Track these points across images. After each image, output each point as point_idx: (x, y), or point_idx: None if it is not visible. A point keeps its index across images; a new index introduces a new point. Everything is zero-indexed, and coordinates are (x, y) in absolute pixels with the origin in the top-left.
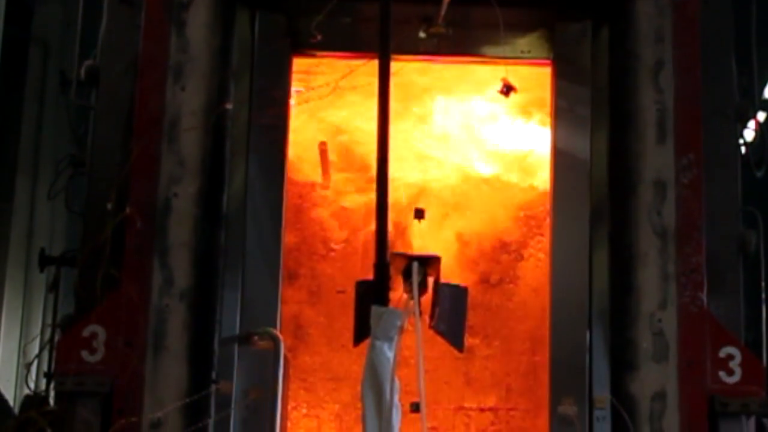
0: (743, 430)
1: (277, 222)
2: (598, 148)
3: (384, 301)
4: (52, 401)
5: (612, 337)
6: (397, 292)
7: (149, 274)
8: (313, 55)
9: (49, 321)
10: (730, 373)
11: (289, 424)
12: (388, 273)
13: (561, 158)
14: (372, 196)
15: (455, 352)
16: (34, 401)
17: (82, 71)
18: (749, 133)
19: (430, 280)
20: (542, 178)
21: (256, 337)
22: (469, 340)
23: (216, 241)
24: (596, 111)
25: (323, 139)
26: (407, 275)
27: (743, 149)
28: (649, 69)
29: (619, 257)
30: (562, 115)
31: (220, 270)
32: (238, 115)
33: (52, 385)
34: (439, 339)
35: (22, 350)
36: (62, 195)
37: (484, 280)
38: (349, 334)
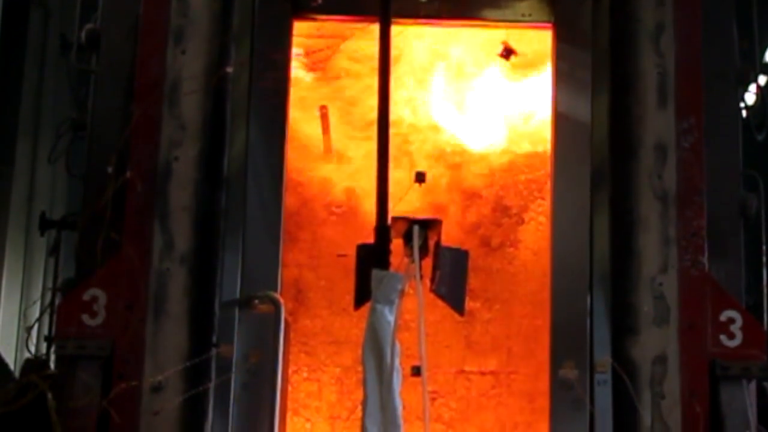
0: (744, 394)
1: (278, 185)
2: (598, 111)
3: (385, 264)
4: (52, 365)
5: (613, 301)
6: (398, 256)
7: (150, 237)
8: (314, 19)
9: (50, 285)
10: (731, 336)
11: (289, 388)
12: (389, 237)
13: (562, 122)
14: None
15: (456, 315)
16: (34, 365)
17: (83, 35)
18: (750, 97)
19: (431, 244)
20: (543, 142)
21: (256, 301)
22: (469, 304)
23: (217, 205)
24: (597, 74)
25: (324, 102)
26: (408, 239)
27: (744, 113)
28: (650, 33)
29: (619, 221)
30: (562, 78)
31: (221, 233)
32: (238, 78)
33: (52, 349)
34: (439, 302)
35: (23, 314)
36: (63, 158)
37: (485, 244)
38: (349, 298)
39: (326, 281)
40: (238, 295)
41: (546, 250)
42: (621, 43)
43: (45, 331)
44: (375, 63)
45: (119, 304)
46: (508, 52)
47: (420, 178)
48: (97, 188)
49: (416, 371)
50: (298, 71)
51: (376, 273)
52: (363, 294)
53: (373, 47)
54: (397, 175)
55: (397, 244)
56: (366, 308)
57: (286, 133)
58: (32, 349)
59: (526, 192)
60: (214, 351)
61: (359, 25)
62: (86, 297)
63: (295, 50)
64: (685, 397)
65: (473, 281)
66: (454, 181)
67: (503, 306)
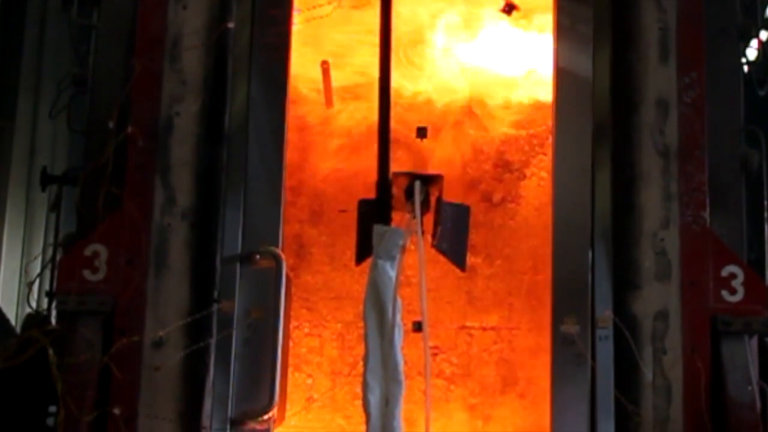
0: (745, 349)
1: (279, 141)
2: (600, 66)
3: (386, 220)
4: (53, 320)
5: (614, 257)
6: (400, 211)
7: (151, 193)
8: None
9: (51, 240)
10: (733, 292)
11: (291, 344)
12: (390, 192)
13: (563, 77)
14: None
15: (457, 271)
16: (35, 320)
17: None
18: (752, 52)
19: (433, 199)
20: (544, 97)
21: (258, 256)
22: (471, 259)
23: (218, 160)
24: (599, 30)
25: (325, 58)
26: (409, 194)
27: (746, 68)
28: None
29: (621, 176)
30: (564, 33)
31: (222, 189)
32: (239, 34)
33: (53, 305)
34: (441, 258)
35: (24, 269)
36: (64, 114)
37: (486, 199)
38: (351, 254)
39: (328, 237)
40: (239, 251)
41: (547, 206)
42: None
43: (46, 287)
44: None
45: (120, 259)
46: (509, 8)
47: (421, 133)
48: (98, 143)
49: (417, 327)
50: (298, 26)
51: (377, 228)
52: (364, 249)
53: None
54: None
55: (398, 199)
56: (367, 264)
57: (288, 89)
58: (33, 304)
59: (527, 147)
60: (215, 306)
61: None
62: (87, 252)
63: (296, 6)
64: (687, 353)
65: (474, 237)
66: (455, 137)
67: (505, 261)
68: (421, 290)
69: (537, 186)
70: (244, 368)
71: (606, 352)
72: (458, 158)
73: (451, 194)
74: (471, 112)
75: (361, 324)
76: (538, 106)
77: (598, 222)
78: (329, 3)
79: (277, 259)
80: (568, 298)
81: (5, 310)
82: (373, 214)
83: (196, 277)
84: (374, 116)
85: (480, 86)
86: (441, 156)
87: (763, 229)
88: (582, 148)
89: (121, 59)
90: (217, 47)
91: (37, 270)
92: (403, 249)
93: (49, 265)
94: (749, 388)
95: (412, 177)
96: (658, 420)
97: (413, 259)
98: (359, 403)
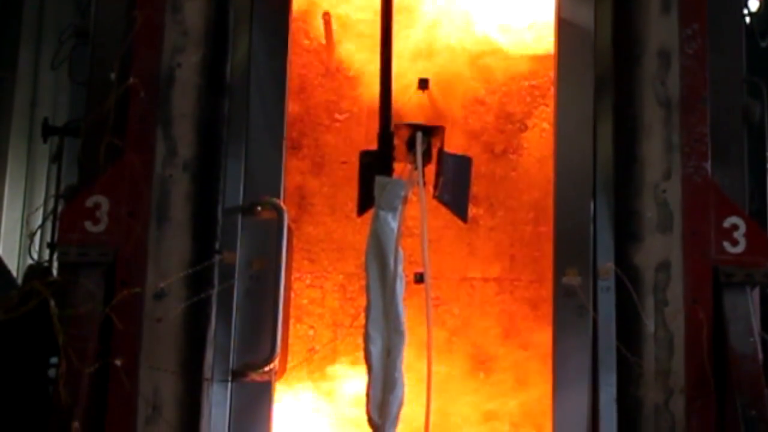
0: (747, 301)
1: (281, 92)
2: (602, 17)
3: (388, 171)
4: (55, 272)
5: (616, 208)
6: (401, 163)
7: (152, 144)
8: None
9: (53, 191)
10: (734, 243)
11: (292, 295)
12: (392, 143)
13: (565, 28)
14: (376, 67)
15: (459, 222)
16: (37, 272)
17: None
18: (754, 3)
19: (434, 151)
20: (546, 48)
21: (259, 208)
22: (472, 210)
23: (219, 112)
24: None
25: (327, 8)
26: (411, 145)
27: (747, 19)
28: None
29: (623, 127)
30: None
31: (224, 140)
32: None
33: (55, 256)
34: (442, 209)
35: (26, 221)
36: (65, 65)
37: (488, 150)
38: (353, 205)
39: (329, 188)
40: (240, 202)
41: (549, 157)
42: None
43: (47, 238)
44: None
45: (122, 210)
46: None
47: (423, 85)
48: (99, 95)
49: (419, 278)
50: None
51: (379, 179)
52: (366, 200)
53: None
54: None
55: (400, 150)
56: (369, 215)
57: (289, 40)
58: (35, 255)
59: (529, 98)
60: (216, 258)
61: None
62: (89, 204)
63: None
64: (689, 304)
65: (476, 188)
66: (456, 88)
67: (506, 213)
68: (422, 241)
69: (539, 137)
70: (245, 320)
71: (607, 303)
72: (460, 109)
73: (453, 145)
74: (473, 63)
75: (363, 275)
76: (540, 57)
77: (599, 173)
78: None
79: (279, 211)
80: (570, 250)
81: (7, 262)
82: (375, 165)
83: (198, 228)
84: (375, 67)
85: (482, 37)
86: (443, 107)
87: (764, 181)
88: (584, 100)
89: (122, 10)
90: None
91: (39, 221)
92: (405, 200)
93: (51, 217)
94: (751, 339)
95: (414, 128)
96: (660, 371)
97: (415, 210)
98: (361, 354)
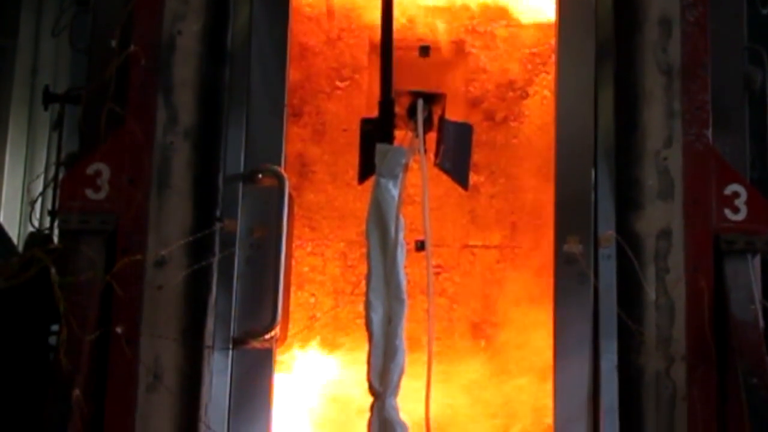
0: (748, 268)
1: (282, 59)
2: None
3: (389, 138)
4: (56, 239)
5: (617, 176)
6: (402, 130)
7: (153, 112)
8: None
9: (53, 159)
10: (736, 211)
11: (293, 262)
12: (393, 110)
13: None
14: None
15: (460, 189)
16: (38, 239)
17: None
18: None
19: (435, 118)
20: (547, 15)
21: (260, 175)
22: (473, 178)
23: (220, 79)
24: None
25: None
26: (412, 113)
27: None
28: None
29: (624, 95)
30: None
31: (225, 108)
32: None
33: (56, 223)
34: (443, 176)
35: (26, 188)
36: (66, 32)
37: (489, 118)
38: (354, 172)
39: (330, 155)
40: (241, 170)
41: (550, 125)
42: None
43: (48, 206)
44: None
45: (123, 178)
46: None
47: (424, 51)
48: (100, 62)
49: (420, 246)
50: None
51: (380, 147)
52: (367, 168)
53: None
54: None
55: (401, 118)
56: (370, 182)
57: (290, 7)
58: (36, 223)
59: (530, 66)
60: (217, 225)
61: None
62: (90, 171)
63: None
64: (690, 272)
65: (477, 155)
66: (458, 55)
67: (508, 180)
68: (423, 209)
69: (540, 105)
70: (246, 287)
71: (608, 271)
72: (461, 77)
73: (454, 113)
74: (474, 30)
75: (364, 243)
76: (541, 24)
77: (600, 141)
78: None
79: (280, 178)
80: (571, 217)
81: (8, 229)
82: (376, 132)
83: (199, 196)
84: (376, 35)
85: (482, 4)
86: (443, 74)
87: (765, 149)
88: (585, 67)
89: None
90: None
91: (40, 189)
92: (406, 168)
93: (52, 184)
94: (752, 307)
95: (415, 95)
96: (661, 339)
97: (416, 177)
98: (362, 321)
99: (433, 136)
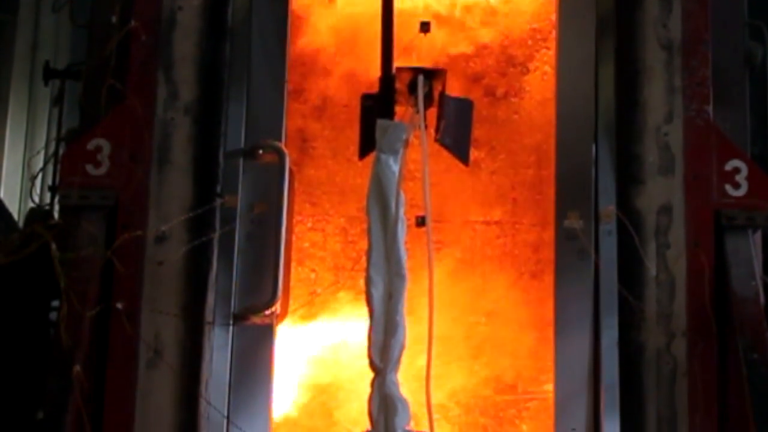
0: (749, 244)
1: (283, 35)
2: None
3: (389, 114)
4: (56, 215)
5: (618, 151)
6: (403, 106)
7: (154, 87)
8: None
9: (54, 134)
10: (736, 186)
11: (294, 238)
12: (394, 86)
13: None
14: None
15: (461, 165)
16: (38, 215)
17: None
18: None
19: (436, 94)
20: None
21: (260, 151)
22: (474, 154)
23: (221, 55)
24: None
25: None
26: (413, 88)
27: None
28: None
29: (625, 70)
30: None
31: (225, 83)
32: None
33: (56, 199)
34: (444, 152)
35: (27, 164)
36: (67, 7)
37: (490, 93)
38: (354, 148)
39: (331, 131)
40: (242, 146)
41: (551, 100)
42: None
43: (49, 181)
44: None
45: (123, 154)
46: None
47: (425, 28)
48: (101, 38)
49: (421, 221)
50: None
51: (380, 123)
52: (368, 144)
53: None
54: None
55: (401, 93)
56: (371, 158)
57: None
58: (36, 198)
59: (530, 42)
60: (218, 201)
61: None
62: (90, 147)
63: None
64: (690, 247)
65: (478, 131)
66: (458, 31)
67: (508, 156)
68: (424, 184)
69: (540, 80)
70: (247, 263)
71: (609, 246)
72: (461, 53)
73: (454, 89)
74: (474, 6)
75: (365, 218)
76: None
77: (601, 117)
78: None
79: (280, 154)
80: (572, 193)
81: (8, 205)
82: (376, 108)
83: (199, 171)
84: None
85: None
86: (444, 50)
87: (766, 124)
88: (585, 43)
89: None
90: None
91: (40, 164)
92: (406, 143)
93: (52, 160)
94: (752, 282)
95: (415, 71)
96: (662, 314)
97: (416, 153)
98: (362, 297)
99: (433, 111)
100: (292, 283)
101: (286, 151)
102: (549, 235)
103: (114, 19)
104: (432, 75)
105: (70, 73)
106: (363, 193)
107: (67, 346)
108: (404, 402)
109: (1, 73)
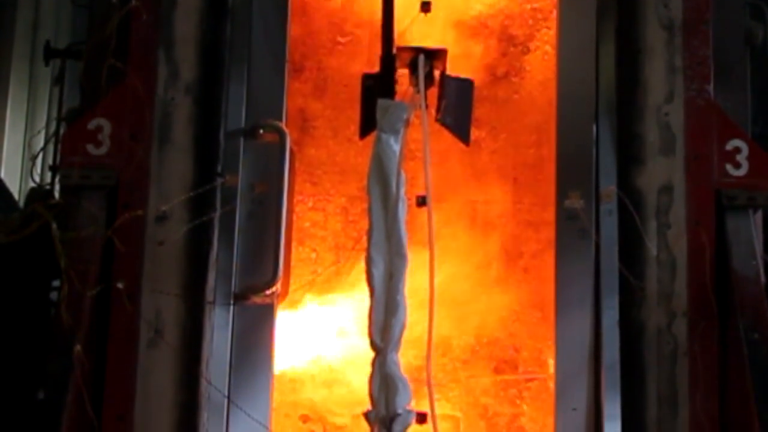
0: (750, 224)
1: (283, 14)
2: None
3: (390, 93)
4: (57, 195)
5: (619, 131)
6: (404, 85)
7: (154, 67)
8: None
9: (55, 114)
10: (737, 166)
11: (294, 218)
12: (395, 66)
13: None
14: None
15: (461, 145)
16: (39, 194)
17: None
18: None
19: (437, 73)
20: None
21: (261, 131)
22: (475, 133)
23: (221, 34)
24: None
25: None
26: (413, 68)
27: None
28: None
29: (625, 50)
30: None
31: (226, 63)
32: None
33: (57, 179)
34: (445, 132)
35: (27, 143)
36: None
37: (491, 73)
38: (355, 127)
39: (332, 110)
40: (243, 125)
41: (552, 80)
42: None
43: (49, 161)
44: None
45: (124, 133)
46: None
47: (425, 7)
48: (101, 17)
49: (421, 201)
50: None
51: (381, 102)
52: (368, 123)
53: None
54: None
55: (402, 73)
56: (371, 138)
57: None
58: (37, 178)
59: (531, 21)
60: (218, 181)
61: None
62: (91, 126)
63: None
64: (691, 227)
65: (478, 111)
66: (459, 11)
67: (509, 136)
68: (425, 164)
69: (541, 60)
70: (247, 243)
71: (610, 226)
72: (462, 33)
73: (455, 68)
74: None
75: (365, 198)
76: None
77: (602, 96)
78: None
79: (281, 133)
80: (572, 173)
81: (8, 185)
82: (377, 88)
83: (200, 151)
84: None
85: None
86: (444, 30)
87: (767, 104)
88: (586, 22)
89: None
90: None
91: (41, 144)
92: (407, 123)
93: (53, 140)
94: (753, 262)
95: (416, 51)
96: (663, 294)
97: (417, 133)
98: (363, 277)
99: (434, 91)
100: (293, 262)
101: (286, 130)
102: (550, 214)
103: None
104: (433, 55)
105: (71, 52)
106: (364, 172)
107: (67, 325)
108: (405, 381)
109: (1, 53)
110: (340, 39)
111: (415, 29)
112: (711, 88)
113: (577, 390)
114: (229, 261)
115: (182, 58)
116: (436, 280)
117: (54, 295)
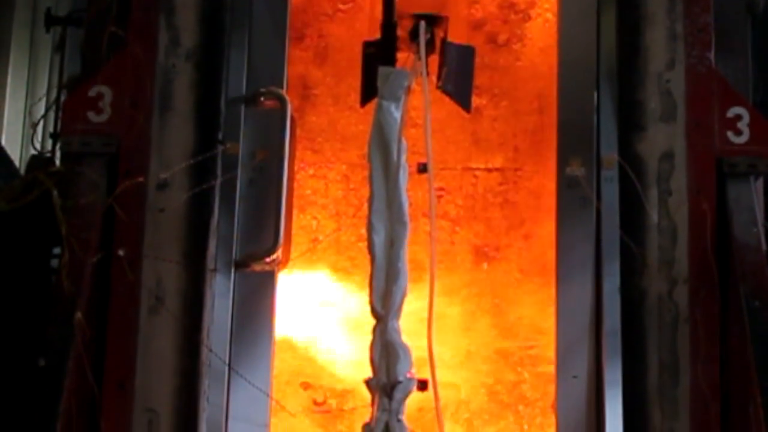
0: (751, 191)
1: None
2: None
3: (391, 61)
4: (57, 162)
5: (620, 98)
6: (404, 53)
7: (155, 34)
8: None
9: (55, 81)
10: (738, 133)
11: (295, 185)
12: (396, 33)
13: None
14: None
15: (462, 112)
16: (39, 162)
17: None
18: None
19: (438, 41)
20: None
21: (262, 98)
22: (476, 100)
23: (222, 1)
24: None
25: None
26: (414, 35)
27: None
28: None
29: (626, 17)
30: None
31: (227, 30)
32: None
33: (57, 146)
34: (446, 99)
35: (28, 111)
36: None
37: (492, 40)
38: (356, 95)
39: (332, 78)
40: (244, 92)
41: (553, 47)
42: None
43: (50, 128)
44: None
45: (125, 100)
46: None
47: None
48: None
49: (422, 168)
50: None
51: (382, 70)
52: (369, 91)
53: None
54: None
55: (403, 40)
56: (372, 105)
57: None
58: (37, 146)
59: None
60: (219, 148)
61: None
62: (92, 93)
63: None
64: (692, 194)
65: (479, 78)
66: None
67: (510, 103)
68: (426, 131)
69: (542, 27)
70: (248, 210)
71: (611, 193)
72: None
73: (456, 35)
74: None
75: (366, 165)
76: None
77: (603, 63)
78: None
79: (282, 100)
80: (574, 140)
81: (9, 152)
82: (378, 55)
83: (201, 118)
84: None
85: None
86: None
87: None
88: None
89: None
90: None
91: (42, 111)
92: (408, 90)
93: (54, 107)
94: (754, 229)
95: (417, 18)
96: (663, 261)
97: (418, 100)
98: (364, 244)
99: (435, 58)
100: (294, 230)
101: (287, 97)
102: (551, 182)
103: None
104: (434, 21)
105: (72, 20)
106: (364, 140)
107: (68, 293)
108: (406, 349)
109: (2, 20)
110: (341, 6)
111: None
112: (712, 55)
113: (578, 357)
114: (230, 228)
115: (183, 24)
116: None
117: (55, 263)
